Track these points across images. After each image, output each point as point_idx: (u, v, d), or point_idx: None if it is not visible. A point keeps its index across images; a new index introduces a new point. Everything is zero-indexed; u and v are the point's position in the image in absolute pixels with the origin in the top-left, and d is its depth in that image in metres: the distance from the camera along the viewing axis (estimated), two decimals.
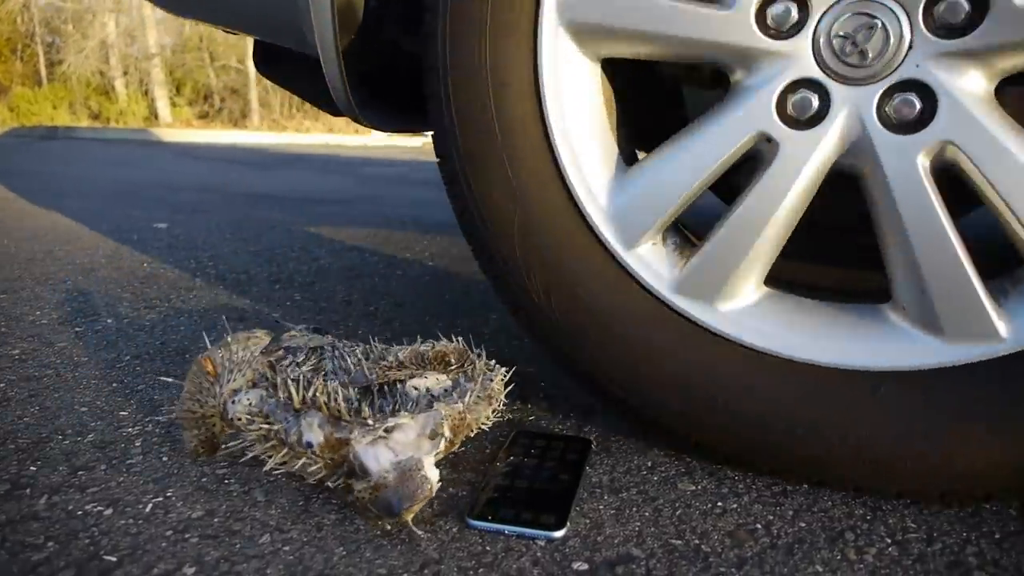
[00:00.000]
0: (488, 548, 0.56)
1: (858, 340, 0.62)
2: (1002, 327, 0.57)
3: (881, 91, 0.57)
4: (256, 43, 1.23)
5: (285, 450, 0.61)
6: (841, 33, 0.56)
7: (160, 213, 2.50)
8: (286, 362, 0.76)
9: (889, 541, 0.57)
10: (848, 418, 0.61)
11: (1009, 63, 0.54)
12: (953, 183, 0.58)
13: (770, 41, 0.59)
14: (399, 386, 0.70)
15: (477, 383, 0.68)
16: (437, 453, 0.60)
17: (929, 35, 0.54)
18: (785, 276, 0.68)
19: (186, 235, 2.05)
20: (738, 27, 0.59)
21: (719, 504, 0.63)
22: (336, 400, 0.61)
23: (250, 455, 0.67)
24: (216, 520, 0.61)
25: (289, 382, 0.62)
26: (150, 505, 0.63)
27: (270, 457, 0.64)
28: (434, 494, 0.58)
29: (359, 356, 0.74)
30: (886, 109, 0.57)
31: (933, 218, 0.57)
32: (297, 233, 2.12)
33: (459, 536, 0.58)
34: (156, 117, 12.84)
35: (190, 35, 13.95)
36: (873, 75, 0.56)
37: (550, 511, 0.60)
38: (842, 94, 0.58)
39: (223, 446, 0.70)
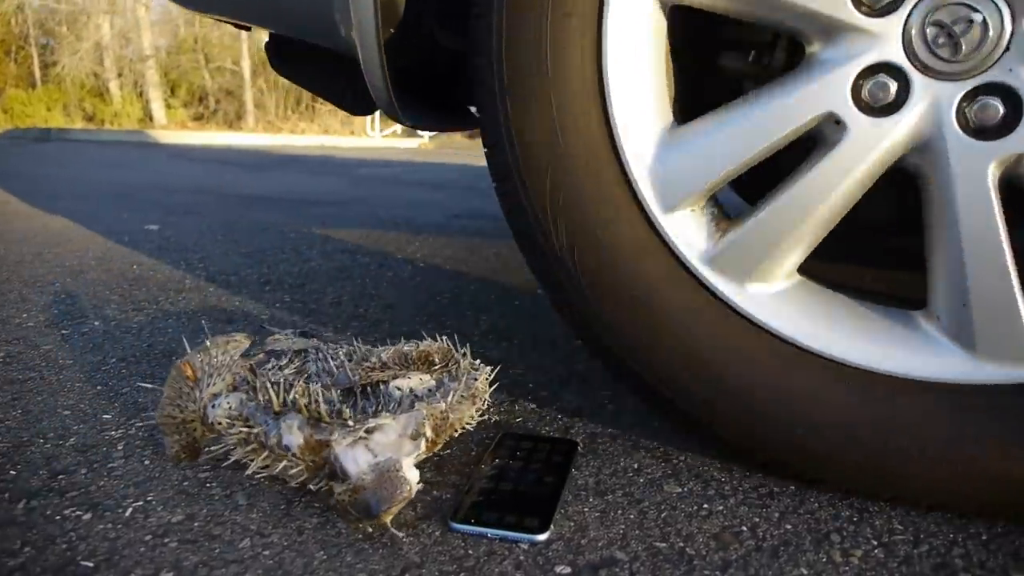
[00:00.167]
0: (470, 552, 0.56)
1: (885, 343, 0.60)
2: None
3: (966, 90, 0.53)
4: (271, 40, 1.20)
5: (265, 453, 0.61)
6: (937, 21, 0.53)
7: (152, 215, 2.49)
8: (269, 365, 0.75)
9: (875, 543, 0.57)
10: (856, 420, 0.60)
11: None
12: (1013, 197, 0.56)
13: (861, 17, 0.55)
14: (382, 387, 0.69)
15: (461, 383, 0.67)
16: (419, 454, 0.59)
17: None
18: (811, 270, 0.66)
19: (177, 237, 2.04)
20: None
21: (705, 506, 0.62)
22: (316, 402, 0.60)
23: (232, 459, 0.66)
24: (196, 524, 0.60)
25: (268, 385, 0.61)
26: (130, 509, 0.62)
27: (252, 461, 0.64)
28: (414, 495, 0.57)
29: (342, 358, 0.73)
30: (967, 111, 0.54)
31: (991, 231, 0.54)
32: (289, 235, 2.11)
33: (441, 539, 0.57)
34: (151, 119, 12.81)
35: (185, 37, 13.92)
36: (961, 72, 0.53)
37: (534, 514, 0.59)
38: (923, 86, 0.54)
39: (205, 450, 0.69)
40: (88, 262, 1.68)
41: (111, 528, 0.60)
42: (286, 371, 0.74)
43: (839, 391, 0.61)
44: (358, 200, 3.05)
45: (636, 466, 0.70)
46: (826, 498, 0.64)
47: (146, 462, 0.71)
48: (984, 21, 0.51)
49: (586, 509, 0.62)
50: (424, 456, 0.63)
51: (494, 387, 0.74)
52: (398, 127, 11.61)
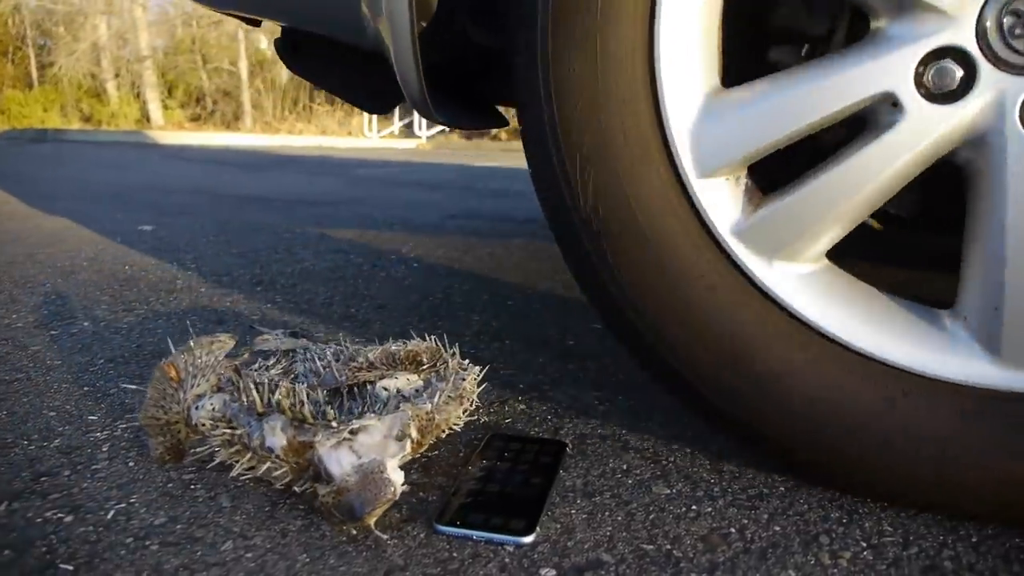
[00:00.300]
0: (455, 554, 0.55)
1: (908, 338, 0.59)
2: None
3: None
4: (283, 37, 1.18)
5: (249, 455, 0.60)
6: (1016, 10, 0.50)
7: (146, 215, 2.48)
8: (255, 366, 0.74)
9: (864, 545, 0.56)
10: (868, 416, 0.59)
11: None
12: None
13: None
14: (369, 387, 0.68)
15: (448, 383, 0.67)
16: (404, 455, 0.59)
17: None
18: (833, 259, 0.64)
19: (171, 237, 2.03)
20: None
21: (693, 508, 0.62)
22: (300, 403, 0.59)
23: (217, 460, 0.65)
24: (179, 527, 0.59)
25: (251, 386, 0.61)
26: (112, 512, 0.62)
27: (236, 462, 0.63)
28: (398, 497, 0.56)
29: (329, 358, 0.72)
30: None
31: None
32: (283, 235, 2.10)
33: (426, 542, 0.57)
34: (148, 120, 12.79)
35: (182, 37, 13.91)
36: None
37: (520, 516, 0.58)
38: (991, 78, 0.52)
39: (191, 451, 0.68)
40: (80, 263, 1.67)
41: (92, 531, 0.59)
42: (272, 371, 0.74)
43: (858, 382, 0.59)
44: (354, 200, 3.04)
45: (625, 467, 0.69)
46: (816, 499, 0.63)
47: (130, 464, 0.70)
48: None
49: (573, 511, 0.61)
50: (410, 457, 0.62)
51: (483, 387, 0.73)
52: (395, 128, 11.62)
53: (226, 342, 0.69)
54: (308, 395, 0.64)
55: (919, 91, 0.54)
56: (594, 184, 0.62)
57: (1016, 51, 0.51)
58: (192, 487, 0.66)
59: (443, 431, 0.66)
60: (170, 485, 0.66)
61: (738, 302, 0.61)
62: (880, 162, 0.56)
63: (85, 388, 0.90)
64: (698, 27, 0.60)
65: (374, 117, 11.21)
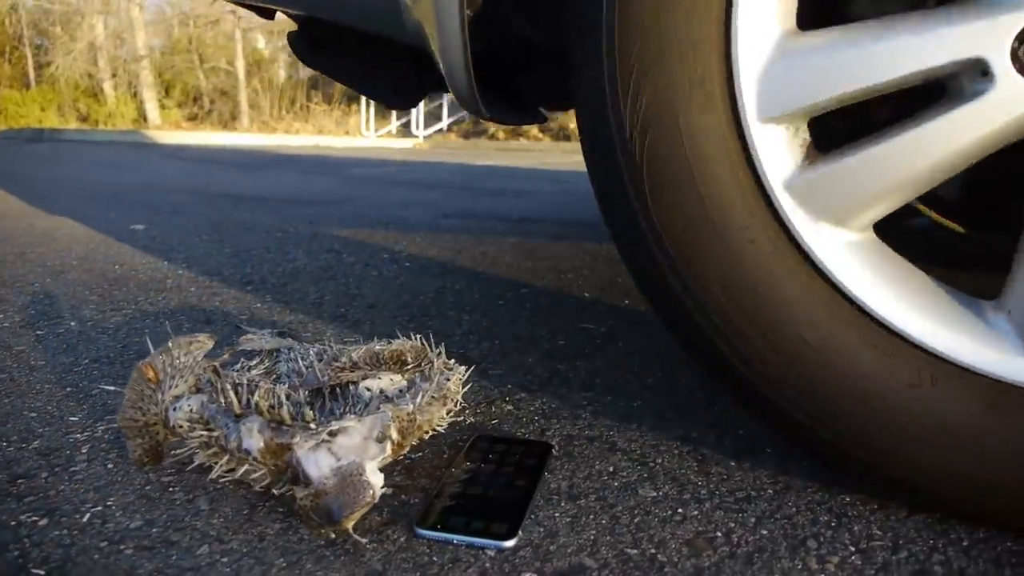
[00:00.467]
0: (435, 559, 0.54)
1: (942, 322, 0.56)
2: None
3: None
4: (299, 31, 1.16)
5: (227, 457, 0.59)
6: None
7: (139, 215, 2.47)
8: (237, 366, 0.73)
9: (853, 549, 0.55)
10: (890, 397, 0.56)
11: None
12: None
13: None
14: (351, 388, 0.67)
15: (432, 383, 0.66)
16: (384, 457, 0.57)
17: None
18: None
19: (163, 236, 2.02)
20: None
21: (679, 511, 0.60)
22: (279, 404, 0.58)
23: (197, 462, 0.64)
24: (155, 530, 0.58)
25: (228, 387, 0.60)
26: (88, 515, 0.61)
27: (216, 464, 0.62)
28: (377, 500, 0.55)
29: (312, 358, 0.71)
30: None
31: None
32: (275, 234, 2.09)
33: (406, 546, 0.55)
34: (145, 119, 12.76)
35: (179, 37, 13.88)
36: None
37: (503, 519, 0.57)
38: None
39: (171, 452, 0.67)
40: (70, 262, 1.66)
41: (66, 534, 0.58)
42: (254, 372, 0.73)
43: (886, 361, 0.56)
44: (348, 200, 3.03)
45: (611, 469, 0.68)
46: (804, 503, 0.62)
47: (109, 465, 0.69)
48: None
49: (557, 514, 0.60)
50: (390, 460, 0.61)
51: (468, 387, 0.72)
52: (393, 127, 11.60)
53: (205, 342, 0.68)
54: (289, 396, 0.63)
55: (1014, 64, 0.50)
56: (645, 107, 0.58)
57: None
58: (171, 489, 0.64)
59: (426, 432, 0.65)
60: (148, 487, 0.65)
61: (776, 260, 0.57)
62: (958, 133, 0.52)
63: (68, 389, 0.89)
64: None
65: (371, 117, 11.20)
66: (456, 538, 0.55)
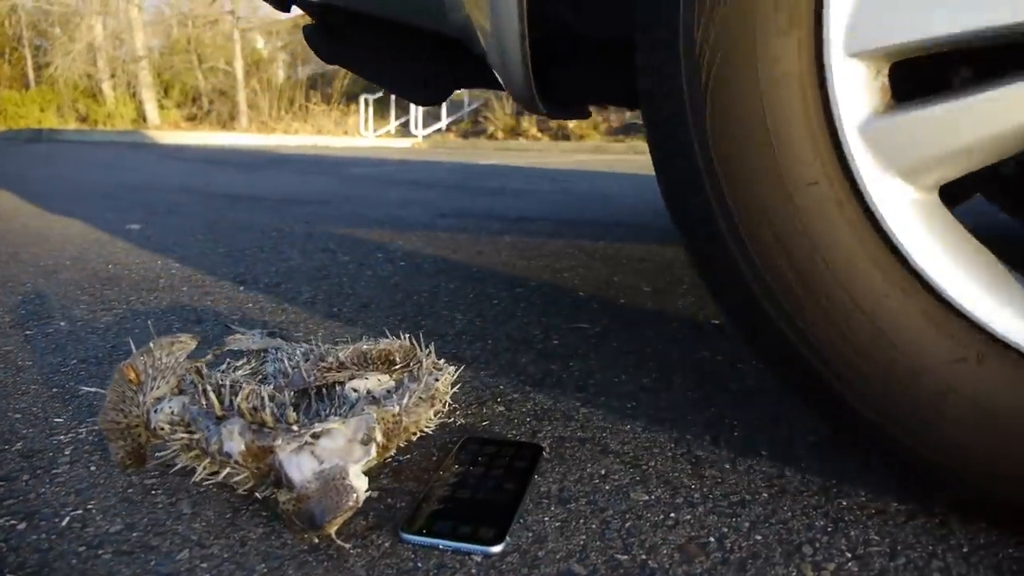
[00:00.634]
0: (420, 565, 0.52)
1: (997, 296, 0.53)
2: None
3: None
4: (316, 24, 1.12)
5: (208, 459, 0.57)
6: None
7: (135, 214, 2.46)
8: (222, 366, 0.72)
9: (849, 555, 0.54)
10: (932, 369, 0.53)
11: None
12: None
13: None
14: (338, 388, 0.66)
15: (420, 383, 0.64)
16: (369, 460, 0.56)
17: None
18: None
19: (158, 236, 2.01)
20: None
21: (672, 515, 0.59)
22: (261, 406, 0.57)
23: (181, 464, 0.63)
24: (135, 535, 0.57)
25: (208, 389, 0.58)
26: (67, 518, 0.59)
27: (199, 467, 0.60)
28: (360, 504, 0.54)
29: (299, 358, 0.70)
30: None
31: None
32: (270, 234, 2.07)
33: (391, 551, 0.54)
34: (144, 119, 12.74)
35: (178, 37, 13.86)
36: None
37: (490, 524, 0.56)
38: None
39: (154, 455, 0.66)
40: (63, 262, 1.65)
41: (44, 539, 0.56)
42: (240, 372, 0.71)
43: (933, 331, 0.53)
44: (346, 199, 3.02)
45: (603, 472, 0.66)
46: (800, 507, 0.60)
47: (92, 468, 0.68)
48: None
49: (547, 518, 0.58)
50: (375, 462, 0.60)
51: (459, 388, 0.71)
52: (391, 127, 11.59)
53: (187, 343, 0.67)
54: (273, 397, 0.61)
55: None
56: (718, 24, 0.55)
57: None
58: (153, 492, 0.63)
59: (413, 434, 0.64)
60: (130, 490, 0.63)
61: (835, 208, 0.54)
62: None
63: (54, 389, 0.88)
64: None
65: (370, 116, 11.19)
66: (442, 543, 0.54)
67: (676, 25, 0.57)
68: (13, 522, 0.59)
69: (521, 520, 0.58)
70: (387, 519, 0.58)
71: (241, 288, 1.40)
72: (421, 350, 0.72)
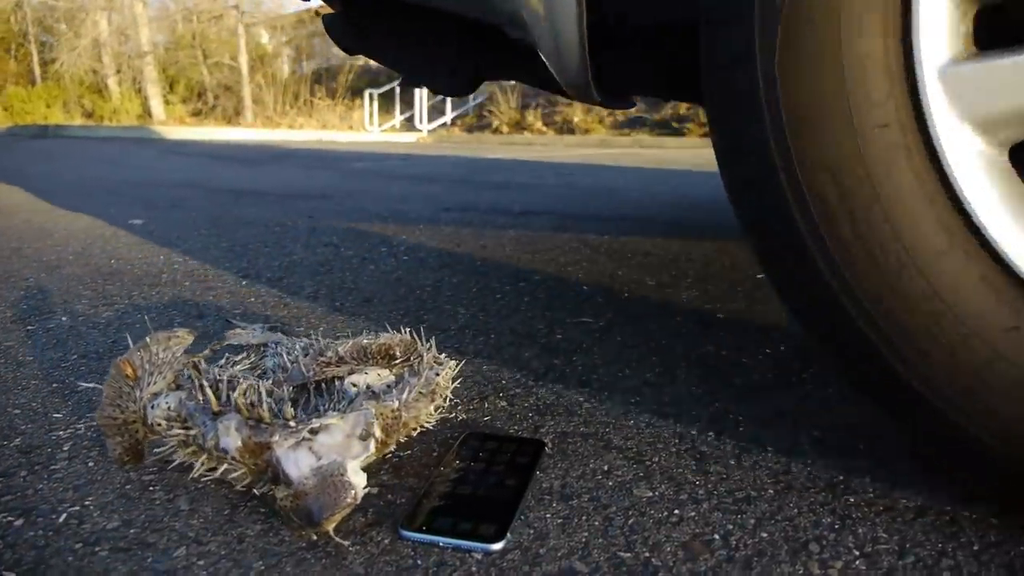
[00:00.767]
0: (419, 562, 0.52)
1: None
2: None
3: None
4: (338, 13, 1.08)
5: (205, 456, 0.57)
6: None
7: (139, 209, 2.45)
8: (221, 361, 0.71)
9: (857, 553, 0.52)
10: (983, 335, 0.51)
11: None
12: None
13: None
14: (337, 383, 0.65)
15: (420, 378, 0.63)
16: (367, 456, 0.55)
17: None
18: None
19: (161, 231, 2.00)
20: None
21: (676, 512, 0.58)
22: (258, 401, 0.56)
23: (179, 460, 0.62)
24: (132, 531, 0.56)
25: (204, 384, 0.57)
26: (64, 515, 0.59)
27: (197, 462, 0.60)
28: (359, 501, 0.53)
29: (298, 352, 0.69)
30: None
31: None
32: (274, 228, 2.07)
33: (390, 548, 0.53)
34: (149, 115, 12.76)
35: (183, 33, 13.86)
36: None
37: (491, 521, 0.55)
38: None
39: (152, 451, 0.65)
40: (66, 257, 1.64)
41: (41, 535, 0.56)
42: (239, 367, 0.71)
43: (987, 294, 0.51)
44: (350, 194, 3.01)
45: (606, 468, 0.65)
46: (807, 504, 0.59)
47: (90, 464, 0.67)
48: None
49: (548, 515, 0.57)
50: (374, 459, 0.59)
51: (461, 382, 0.70)
52: (396, 122, 11.57)
53: (184, 337, 0.66)
54: (271, 392, 0.60)
55: None
56: None
57: None
58: (151, 489, 0.62)
59: (413, 430, 0.63)
60: (128, 487, 0.63)
61: (903, 155, 0.52)
62: None
63: (54, 385, 0.87)
64: None
65: (375, 111, 11.17)
66: (442, 540, 0.53)
67: None
68: (10, 518, 0.58)
69: (522, 517, 0.57)
70: (387, 515, 0.57)
71: (243, 283, 1.40)
72: (422, 344, 0.71)
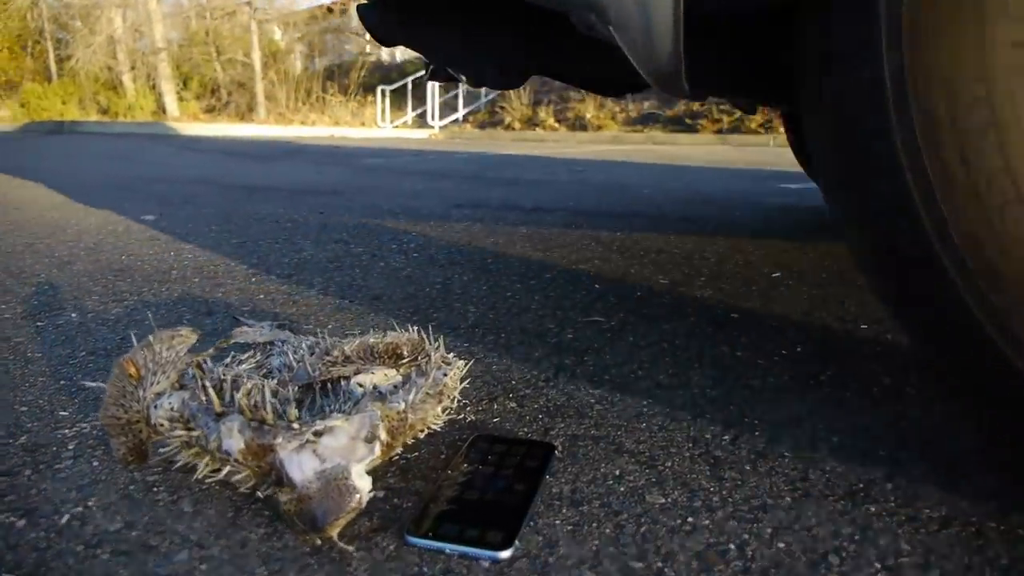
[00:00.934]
0: (425, 570, 0.50)
1: None
2: None
3: None
4: (376, 4, 1.03)
5: (208, 457, 0.56)
6: None
7: (152, 205, 2.46)
8: (227, 360, 0.70)
9: (879, 566, 0.50)
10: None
11: None
12: None
13: None
14: (344, 383, 0.64)
15: (428, 378, 0.62)
16: (372, 459, 0.54)
17: None
18: None
19: (172, 227, 2.00)
20: None
21: (689, 520, 0.56)
22: (262, 402, 0.55)
23: (183, 461, 0.61)
24: (134, 533, 0.55)
25: (207, 384, 0.56)
26: (67, 516, 0.58)
27: (200, 464, 0.59)
28: (363, 506, 0.52)
29: (304, 351, 0.68)
30: None
31: None
32: (285, 225, 2.06)
33: (395, 555, 0.52)
34: (164, 111, 12.85)
35: (196, 30, 13.94)
36: None
37: (499, 527, 0.53)
38: None
39: (158, 450, 0.64)
40: (78, 253, 1.65)
41: (43, 537, 0.55)
42: (244, 366, 0.69)
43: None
44: (361, 190, 3.00)
45: (617, 472, 0.64)
46: (826, 512, 0.57)
47: (95, 463, 0.66)
48: None
49: (558, 521, 0.56)
50: (380, 461, 0.58)
51: (470, 383, 0.69)
52: (408, 118, 11.57)
53: (188, 336, 0.65)
54: (276, 393, 0.59)
55: None
56: None
57: None
58: (154, 490, 0.61)
59: (420, 432, 0.62)
60: (132, 487, 0.62)
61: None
62: None
63: (61, 382, 0.87)
64: None
65: (387, 107, 11.17)
66: (449, 547, 0.52)
67: None
68: (12, 519, 0.58)
69: (531, 523, 0.56)
70: (393, 520, 0.56)
71: (253, 280, 1.39)
72: (430, 343, 0.70)
